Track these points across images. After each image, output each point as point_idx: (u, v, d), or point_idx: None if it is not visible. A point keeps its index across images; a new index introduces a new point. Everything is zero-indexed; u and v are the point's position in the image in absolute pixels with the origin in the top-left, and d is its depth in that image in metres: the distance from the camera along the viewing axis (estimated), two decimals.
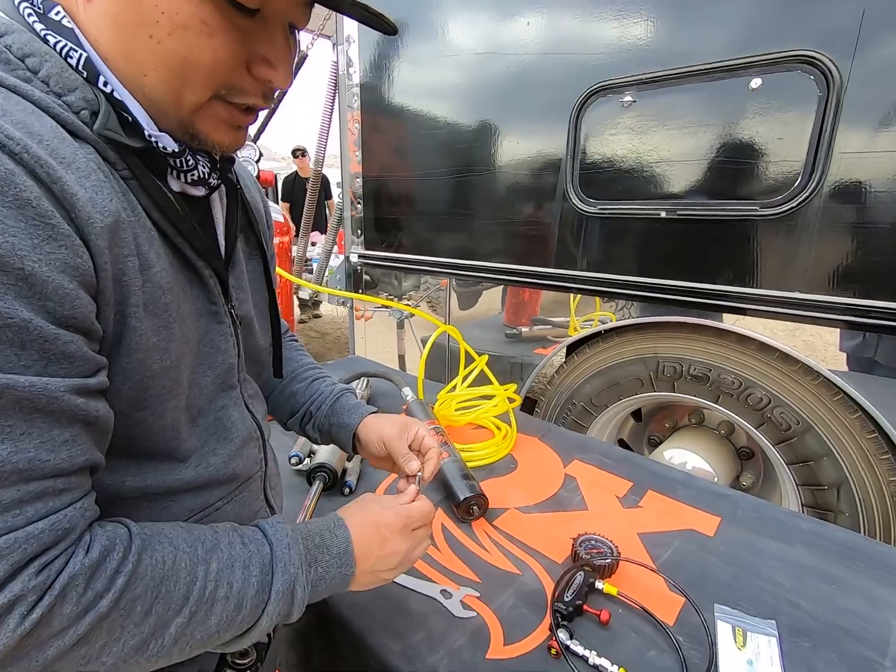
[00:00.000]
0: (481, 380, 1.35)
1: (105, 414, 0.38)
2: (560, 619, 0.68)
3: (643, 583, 0.77)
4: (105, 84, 0.39)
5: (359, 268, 2.21)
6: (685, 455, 1.49)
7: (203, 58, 0.38)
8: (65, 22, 0.38)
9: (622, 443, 1.80)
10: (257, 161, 2.59)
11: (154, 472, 0.46)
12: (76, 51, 0.38)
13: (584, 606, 0.70)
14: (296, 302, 5.71)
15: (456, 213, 1.75)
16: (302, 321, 5.70)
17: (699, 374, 1.39)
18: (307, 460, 1.04)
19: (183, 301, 0.46)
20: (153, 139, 0.41)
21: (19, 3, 0.38)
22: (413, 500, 0.61)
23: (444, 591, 0.75)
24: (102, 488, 0.41)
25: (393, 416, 0.74)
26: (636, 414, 1.75)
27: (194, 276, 0.48)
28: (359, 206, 2.07)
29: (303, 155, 5.38)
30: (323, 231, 4.27)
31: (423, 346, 1.40)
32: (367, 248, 2.11)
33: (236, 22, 0.38)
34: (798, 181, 1.10)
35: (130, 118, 0.40)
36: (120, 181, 0.40)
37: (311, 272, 3.36)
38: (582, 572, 0.75)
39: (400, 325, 2.25)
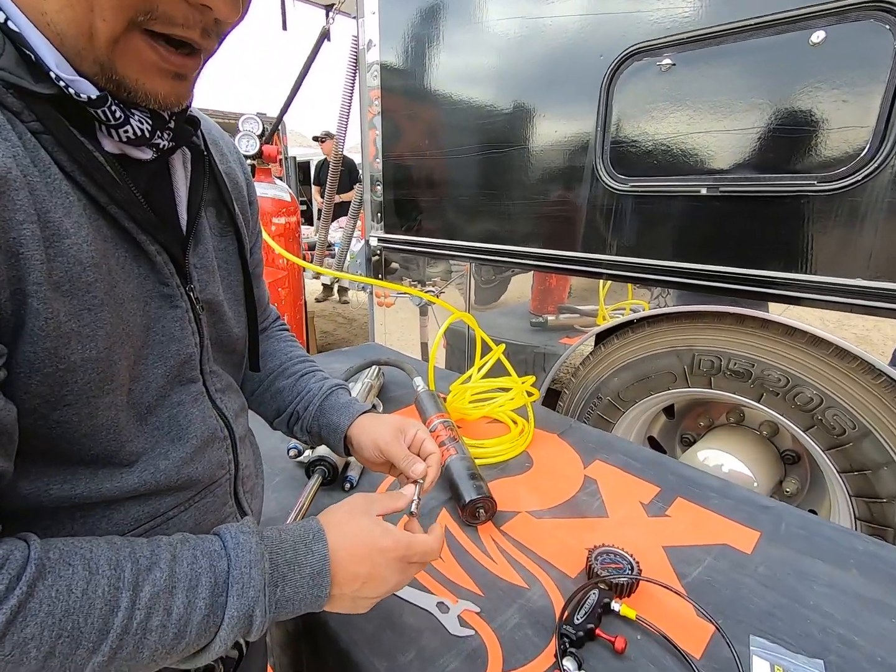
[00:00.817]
0: (500, 371, 1.27)
1: (2, 413, 0.32)
2: (568, 645, 0.60)
3: (667, 605, 0.68)
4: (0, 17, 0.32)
5: (378, 252, 2.15)
6: (722, 457, 1.37)
7: None
8: None
9: (652, 441, 1.68)
10: (260, 135, 2.51)
11: (88, 480, 0.40)
12: None
13: (597, 631, 0.62)
14: (318, 287, 5.79)
15: (477, 194, 1.65)
16: (317, 300, 5.76)
17: (740, 370, 1.27)
18: (308, 452, 0.99)
19: (122, 281, 0.40)
20: (63, 83, 0.34)
21: None
22: (409, 506, 0.54)
23: (440, 605, 0.68)
24: (19, 499, 0.36)
25: (388, 417, 0.66)
26: (668, 410, 1.63)
27: (138, 251, 0.41)
28: (378, 187, 2.00)
29: (323, 141, 5.39)
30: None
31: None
32: (386, 232, 2.04)
33: None
34: (865, 151, 0.95)
35: (34, 57, 0.33)
36: (26, 134, 0.33)
37: (332, 256, 3.32)
38: (596, 590, 0.67)
39: (422, 312, 2.18)
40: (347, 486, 0.93)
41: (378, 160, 1.97)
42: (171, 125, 0.42)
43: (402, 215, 1.95)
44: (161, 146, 0.42)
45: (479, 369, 1.26)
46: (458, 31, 1.57)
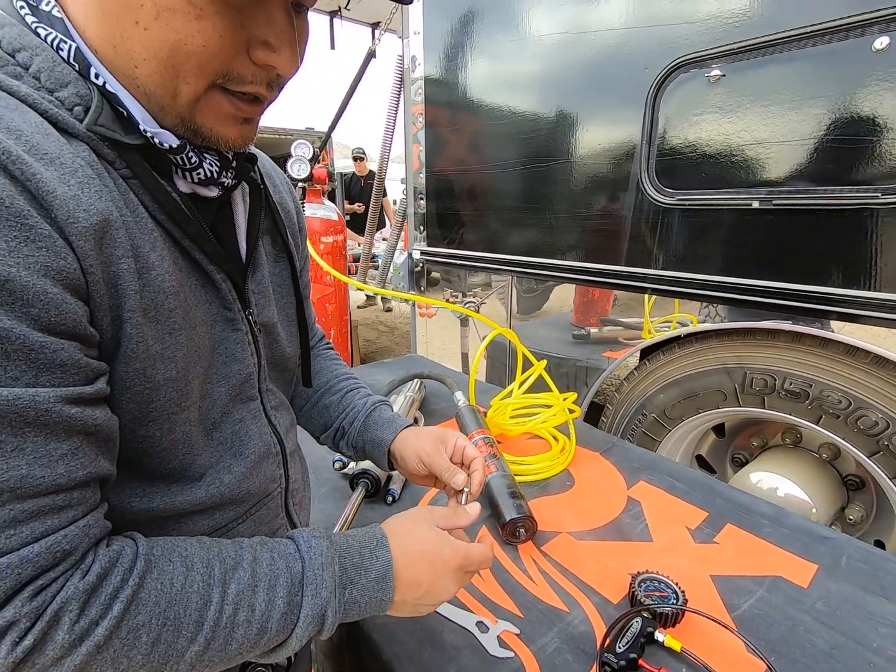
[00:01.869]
0: (541, 385, 1.26)
1: (107, 421, 0.37)
2: None
3: (715, 639, 0.66)
4: (97, 76, 0.37)
5: (421, 264, 2.18)
6: (776, 480, 1.30)
7: (194, 43, 0.35)
8: (55, 12, 0.36)
9: (700, 459, 1.62)
10: (311, 159, 2.62)
11: (163, 493, 0.44)
12: (66, 42, 0.36)
13: (640, 661, 0.61)
14: (361, 296, 5.94)
15: (519, 207, 1.65)
16: (359, 307, 5.91)
17: (796, 390, 1.20)
18: (351, 465, 1.02)
19: (194, 307, 0.44)
20: (150, 135, 0.38)
21: None
22: (474, 519, 0.56)
23: (480, 624, 0.69)
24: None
25: (429, 429, 0.69)
26: (718, 428, 1.57)
27: (206, 280, 0.45)
28: (421, 201, 2.04)
29: (362, 159, 5.72)
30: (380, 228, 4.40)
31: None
32: (429, 245, 2.07)
33: (229, 1, 0.35)
34: None
35: (126, 113, 0.37)
36: (118, 180, 0.38)
37: (376, 268, 3.40)
38: (640, 618, 0.66)
39: (463, 323, 2.20)
40: (390, 499, 0.95)
41: (421, 174, 2.01)
42: (234, 164, 0.46)
43: (445, 228, 1.98)
44: (225, 184, 0.46)
45: (521, 385, 1.26)
46: (499, 48, 1.59)
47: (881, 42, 0.91)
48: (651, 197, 1.29)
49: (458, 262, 1.96)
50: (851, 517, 1.30)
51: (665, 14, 1.18)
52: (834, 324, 1.10)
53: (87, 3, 0.35)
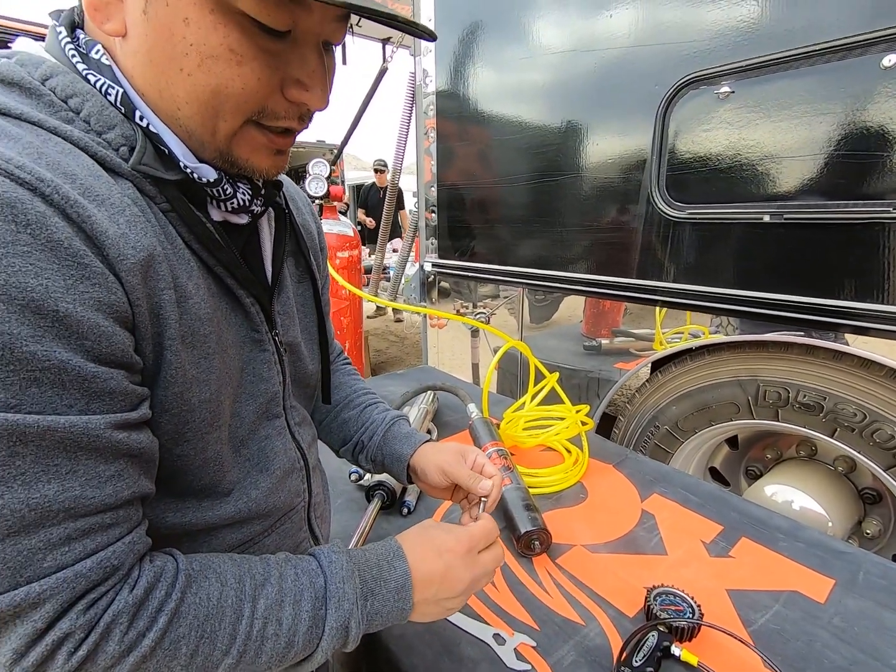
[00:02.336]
0: (553, 396, 1.27)
1: (149, 444, 0.39)
2: None
3: (731, 653, 0.66)
4: (141, 118, 0.39)
5: (432, 276, 2.21)
6: (791, 493, 1.29)
7: (234, 87, 0.38)
8: (104, 60, 0.39)
9: (714, 472, 1.61)
10: (327, 177, 2.68)
11: (195, 509, 0.46)
12: (114, 87, 0.38)
13: None
14: (372, 306, 6.01)
15: (531, 220, 1.67)
16: (369, 317, 5.97)
17: (810, 403, 1.20)
18: (367, 476, 1.04)
19: (225, 330, 0.46)
20: (189, 170, 0.41)
21: (65, 45, 0.39)
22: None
23: (497, 636, 0.69)
24: None
25: (449, 445, 0.70)
26: (732, 441, 1.56)
27: (236, 304, 0.48)
28: (433, 214, 2.07)
29: (381, 172, 5.86)
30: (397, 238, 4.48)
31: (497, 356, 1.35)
32: (440, 257, 2.10)
33: (266, 46, 0.37)
34: None
35: (167, 151, 0.40)
36: (158, 214, 0.40)
37: (387, 280, 3.44)
38: (656, 632, 0.66)
39: (474, 334, 2.21)
40: (405, 510, 0.97)
41: (433, 187, 2.04)
42: (263, 192, 0.49)
43: (457, 240, 2.00)
44: (255, 211, 0.49)
45: (533, 397, 1.27)
46: (510, 64, 1.62)
47: (889, 60, 0.92)
48: (662, 211, 1.30)
49: (470, 273, 1.98)
50: (869, 531, 1.29)
51: (674, 31, 1.20)
52: (848, 337, 1.10)
53: (135, 53, 0.38)
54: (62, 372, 0.31)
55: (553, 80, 1.50)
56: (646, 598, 0.73)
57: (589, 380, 1.72)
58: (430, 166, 2.06)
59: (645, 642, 0.65)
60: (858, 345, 1.09)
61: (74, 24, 0.41)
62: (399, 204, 5.64)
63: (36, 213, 0.30)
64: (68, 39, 0.40)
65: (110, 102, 0.39)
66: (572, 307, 1.74)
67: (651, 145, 1.29)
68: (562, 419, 1.20)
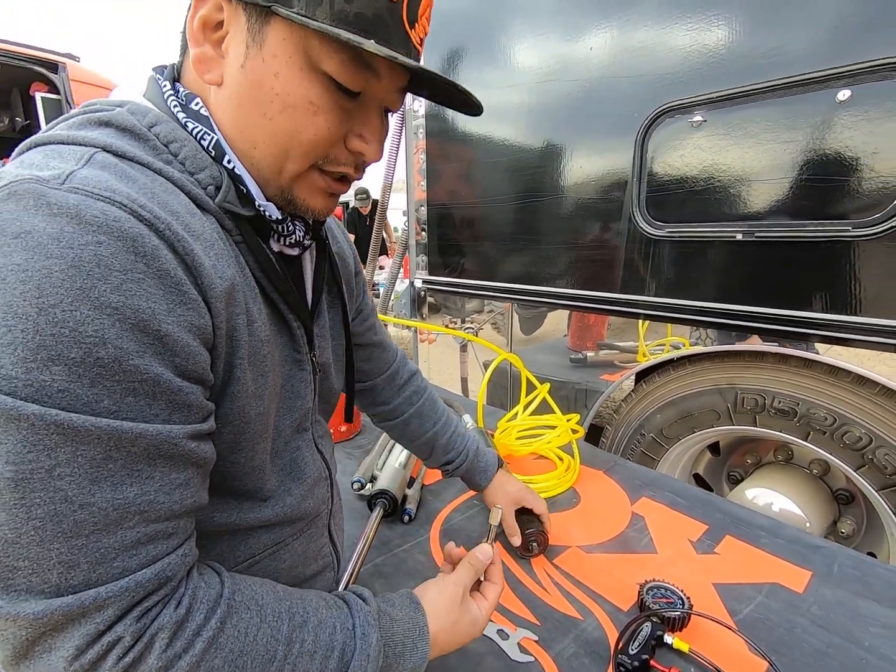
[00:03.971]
0: (544, 407, 1.32)
1: (211, 455, 0.42)
2: None
3: (719, 641, 0.71)
4: (228, 162, 0.45)
5: (423, 293, 2.26)
6: (771, 495, 1.36)
7: (307, 133, 0.43)
8: (202, 111, 0.44)
9: (698, 478, 1.67)
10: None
11: (239, 510, 0.50)
12: (209, 134, 0.44)
13: (651, 662, 0.66)
14: None
15: (519, 238, 1.75)
16: None
17: (785, 408, 1.28)
18: (368, 486, 1.07)
19: (276, 350, 0.50)
20: (262, 208, 0.47)
21: (168, 98, 0.45)
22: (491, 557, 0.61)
23: (500, 632, 0.73)
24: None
25: (508, 490, 0.90)
26: (713, 447, 1.63)
27: (283, 326, 0.52)
28: (423, 232, 2.13)
29: (365, 199, 6.06)
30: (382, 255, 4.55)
31: (486, 370, 1.40)
32: (430, 274, 2.15)
33: (339, 103, 0.43)
34: None
35: (245, 190, 0.46)
36: (233, 245, 0.45)
37: (377, 296, 3.48)
38: (649, 623, 0.71)
39: (463, 349, 2.26)
40: (406, 518, 1.00)
41: (423, 206, 2.11)
42: (312, 228, 0.55)
43: (446, 258, 2.07)
44: (305, 244, 0.55)
45: (526, 407, 1.32)
46: (497, 90, 1.71)
47: (843, 94, 1.01)
48: (642, 229, 1.38)
49: (459, 289, 2.04)
50: (844, 530, 1.36)
51: (651, 64, 1.30)
52: (818, 346, 1.18)
53: (228, 99, 0.43)
54: (155, 385, 0.35)
55: (539, 106, 1.59)
56: (639, 591, 0.77)
57: (577, 391, 1.78)
58: (419, 186, 2.13)
59: (639, 632, 0.70)
60: (830, 353, 1.17)
61: (174, 79, 0.47)
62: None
63: (151, 245, 0.34)
64: (171, 92, 0.45)
65: (202, 147, 0.44)
66: (560, 322, 1.81)
67: (632, 168, 1.38)
68: (553, 428, 1.25)
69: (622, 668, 0.65)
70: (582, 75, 1.45)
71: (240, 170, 0.45)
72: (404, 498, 1.04)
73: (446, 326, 2.25)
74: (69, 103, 4.08)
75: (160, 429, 0.35)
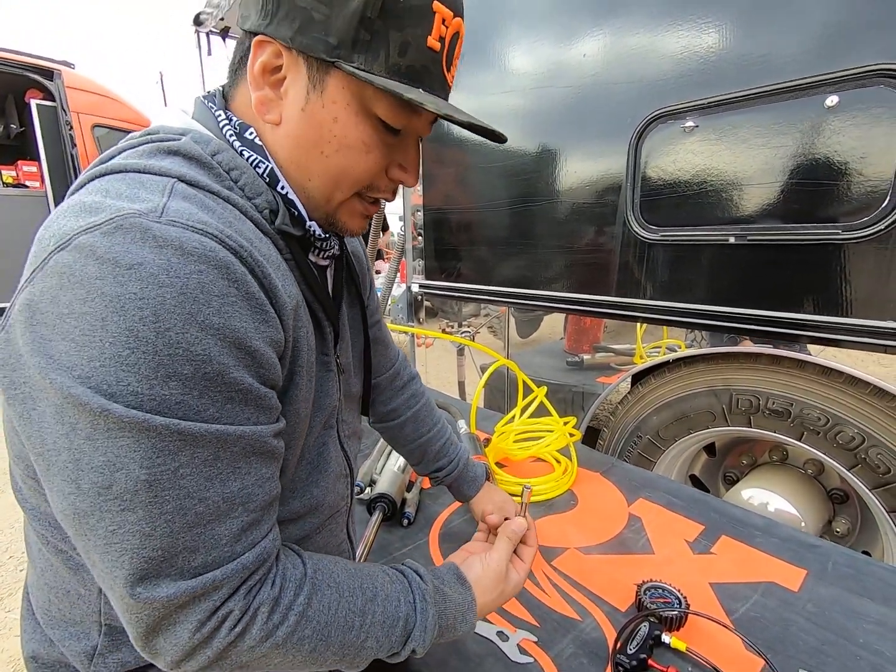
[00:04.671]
0: (541, 410, 1.33)
1: (283, 450, 0.46)
2: None
3: (716, 639, 0.72)
4: (282, 188, 0.49)
5: (419, 297, 2.27)
6: (766, 496, 1.37)
7: (358, 168, 0.48)
8: (256, 141, 0.48)
9: (694, 479, 1.69)
10: None
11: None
12: (264, 163, 0.48)
13: (650, 661, 0.67)
14: None
15: (515, 242, 1.76)
16: None
17: (779, 409, 1.29)
18: (368, 490, 1.07)
19: (313, 354, 0.53)
20: (311, 228, 0.52)
21: (223, 127, 0.48)
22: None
23: (500, 633, 0.74)
24: None
25: (496, 498, 0.89)
26: (709, 448, 1.64)
27: (318, 330, 0.56)
28: (419, 237, 2.14)
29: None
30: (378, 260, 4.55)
31: (483, 373, 1.41)
32: (427, 278, 2.17)
33: (385, 140, 0.48)
34: (886, 202, 1.01)
35: (296, 213, 0.50)
36: (285, 263, 0.49)
37: None
38: (647, 623, 0.72)
39: (460, 352, 2.27)
40: (405, 521, 1.00)
41: (419, 211, 2.12)
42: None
43: (443, 262, 2.08)
44: (335, 255, 0.59)
45: (523, 411, 1.33)
46: (493, 97, 1.72)
47: (831, 100, 1.03)
48: (636, 233, 1.40)
49: (456, 294, 2.05)
50: (838, 529, 1.37)
51: (644, 70, 1.31)
52: (811, 347, 1.19)
53: (286, 136, 0.47)
54: (248, 393, 0.40)
55: (534, 111, 1.61)
56: (636, 591, 0.78)
57: (573, 394, 1.79)
58: (416, 191, 2.14)
59: (637, 632, 0.70)
60: (824, 354, 1.18)
61: (224, 106, 0.51)
62: (384, 225, 5.74)
63: (240, 272, 0.38)
64: (226, 121, 0.49)
65: (258, 174, 0.48)
66: (556, 326, 1.82)
67: (626, 172, 1.40)
68: (550, 431, 1.26)
69: (621, 668, 0.66)
70: (576, 81, 1.47)
71: (291, 195, 0.49)
72: (403, 501, 1.04)
73: (443, 331, 2.26)
74: (64, 110, 4.08)
75: (253, 430, 0.40)
